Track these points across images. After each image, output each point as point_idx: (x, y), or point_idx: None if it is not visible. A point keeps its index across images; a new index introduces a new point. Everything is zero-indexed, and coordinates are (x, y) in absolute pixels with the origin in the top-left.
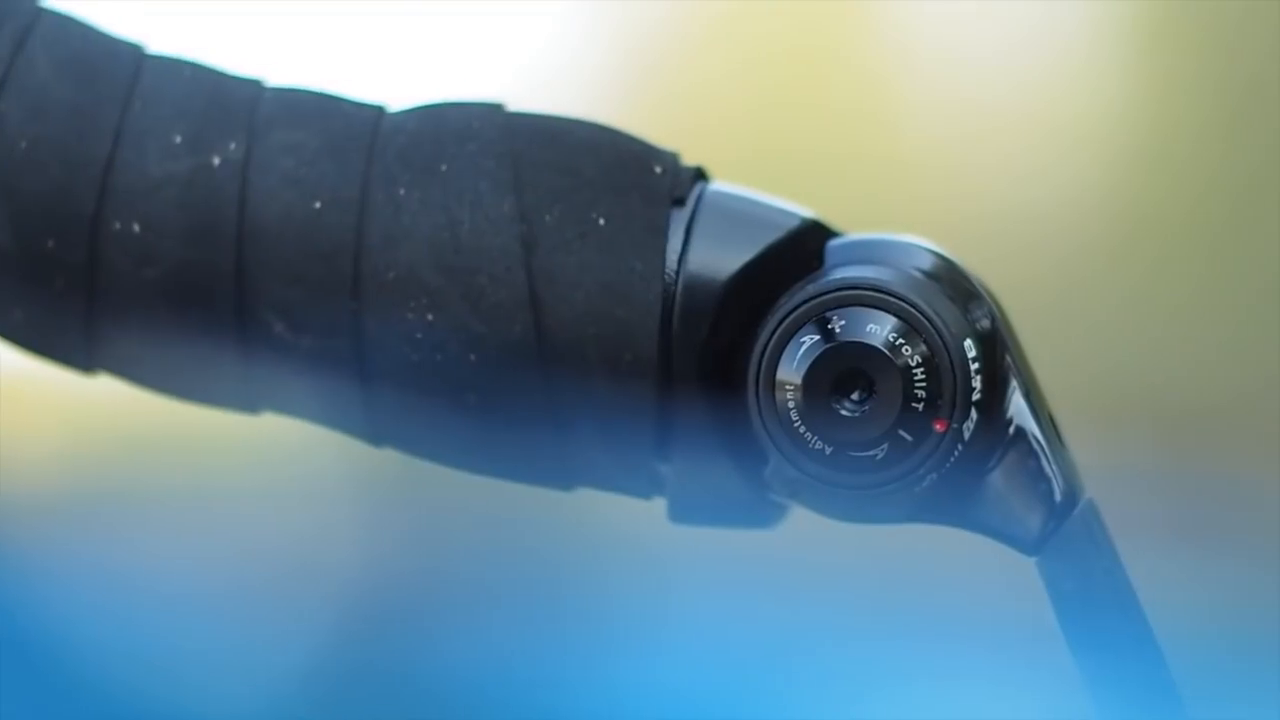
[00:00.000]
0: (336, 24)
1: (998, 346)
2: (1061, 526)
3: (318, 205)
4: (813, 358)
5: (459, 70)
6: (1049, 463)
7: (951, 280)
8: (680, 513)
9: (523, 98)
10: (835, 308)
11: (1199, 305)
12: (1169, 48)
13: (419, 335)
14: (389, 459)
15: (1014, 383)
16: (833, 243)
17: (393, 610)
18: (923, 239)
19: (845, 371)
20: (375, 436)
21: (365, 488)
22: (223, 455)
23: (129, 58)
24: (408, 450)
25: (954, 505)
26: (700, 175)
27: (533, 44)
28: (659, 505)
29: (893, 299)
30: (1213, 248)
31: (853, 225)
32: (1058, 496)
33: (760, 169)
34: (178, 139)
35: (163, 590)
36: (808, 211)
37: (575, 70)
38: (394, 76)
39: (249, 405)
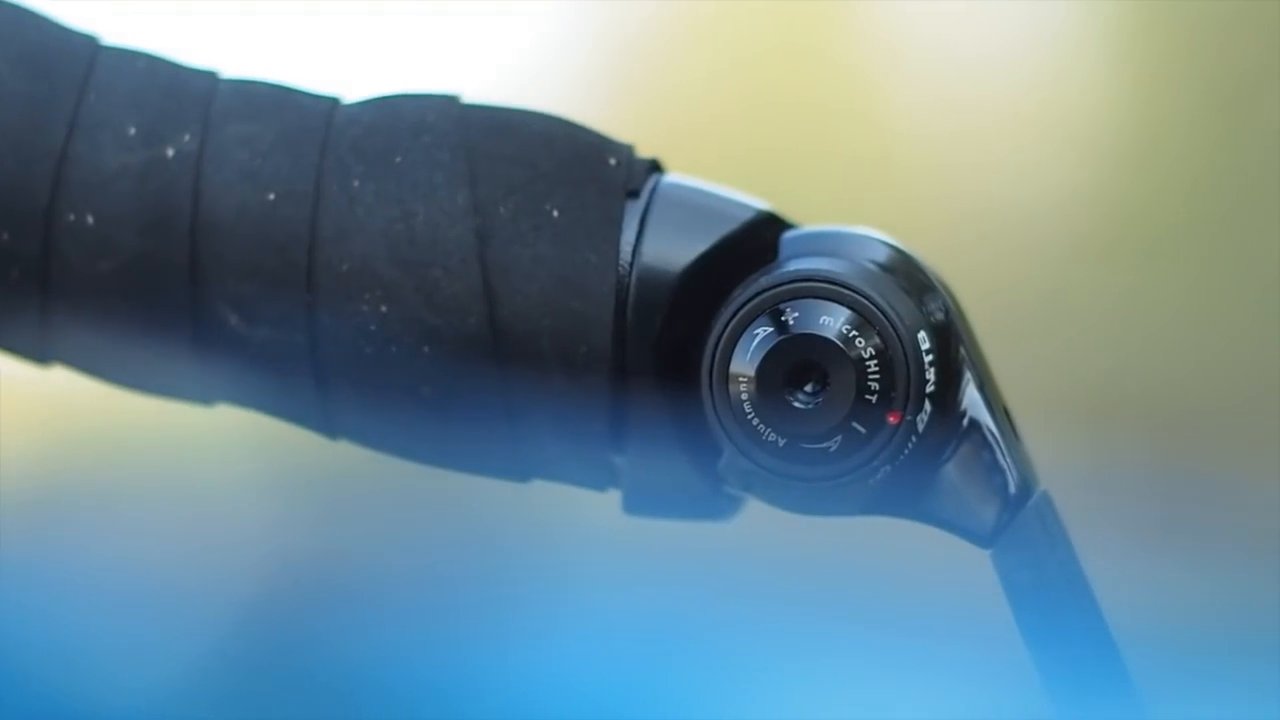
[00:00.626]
0: (321, 23)
1: (952, 339)
2: (1016, 519)
3: (272, 197)
4: (766, 350)
5: (442, 68)
6: (1003, 455)
7: (906, 272)
8: (635, 505)
9: (507, 96)
10: (789, 300)
11: (1189, 303)
12: (1157, 46)
13: (373, 328)
14: (298, 457)
15: (968, 374)
16: (787, 235)
17: (298, 606)
18: (877, 231)
19: (799, 363)
20: (330, 429)
21: (273, 485)
22: (133, 452)
23: (83, 49)
24: (363, 443)
25: (908, 497)
26: (655, 167)
27: (518, 42)
28: (570, 502)
29: (846, 291)
30: (1203, 246)
31: (838, 223)
32: (1012, 489)
33: (746, 167)
34: (132, 131)
35: (70, 584)
36: (762, 203)
37: (561, 68)
38: (379, 75)
39: (204, 397)
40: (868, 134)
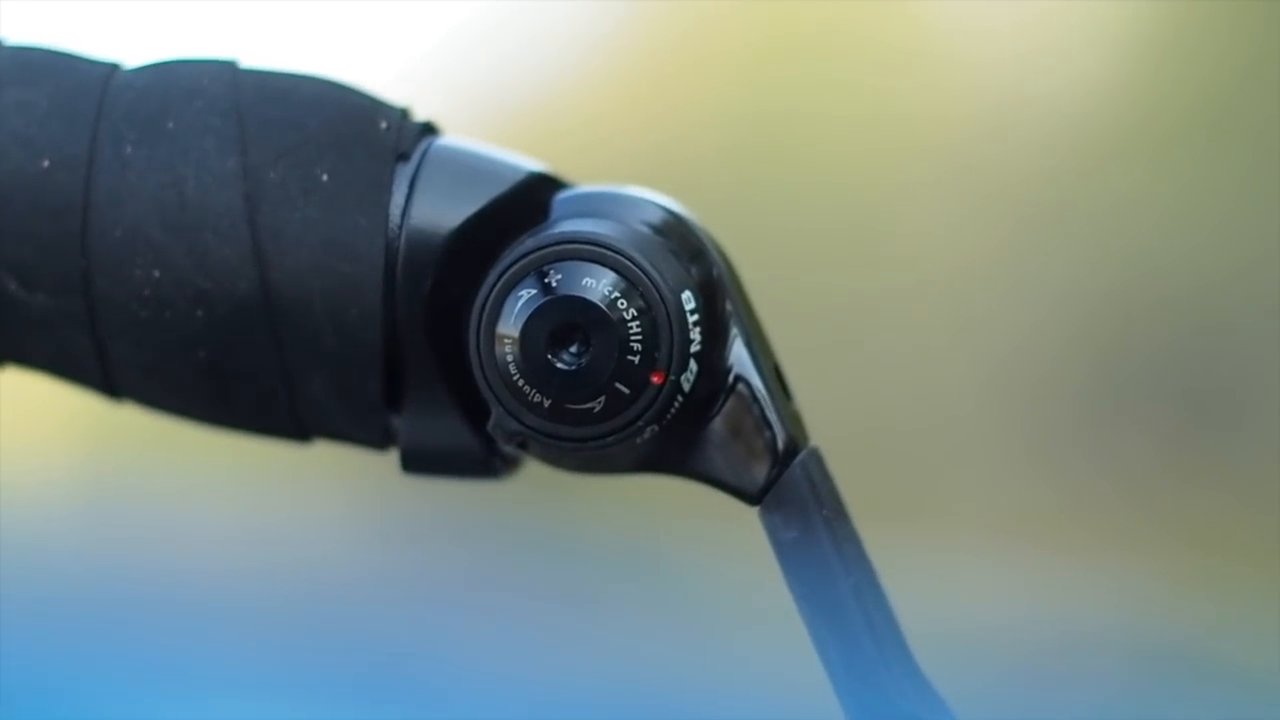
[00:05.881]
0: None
1: (720, 298)
2: (783, 476)
3: (46, 164)
4: (530, 311)
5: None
6: (771, 411)
7: (677, 234)
8: (412, 464)
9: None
10: (553, 262)
11: (1207, 192)
12: None
13: (147, 292)
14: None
15: (735, 331)
16: (560, 196)
17: None
18: (651, 192)
19: (562, 325)
20: (112, 391)
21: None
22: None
23: None
24: (145, 405)
25: (677, 456)
26: (429, 130)
27: None
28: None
29: (609, 253)
30: (1222, 138)
31: (863, 118)
32: (780, 445)
33: (772, 59)
34: None
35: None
36: (536, 165)
37: None
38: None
39: None
40: (898, 25)
